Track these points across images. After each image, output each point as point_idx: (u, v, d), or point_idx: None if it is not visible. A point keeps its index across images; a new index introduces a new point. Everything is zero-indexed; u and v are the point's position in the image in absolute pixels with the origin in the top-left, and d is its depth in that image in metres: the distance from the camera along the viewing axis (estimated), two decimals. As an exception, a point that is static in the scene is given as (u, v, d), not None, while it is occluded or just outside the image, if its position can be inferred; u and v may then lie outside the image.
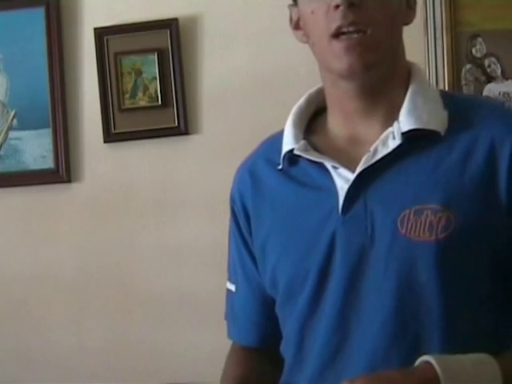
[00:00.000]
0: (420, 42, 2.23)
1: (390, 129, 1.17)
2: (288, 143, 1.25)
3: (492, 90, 2.26)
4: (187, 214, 2.41)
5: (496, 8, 2.25)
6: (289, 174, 1.25)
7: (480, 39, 2.26)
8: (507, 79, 2.26)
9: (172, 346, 2.41)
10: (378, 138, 1.18)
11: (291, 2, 1.25)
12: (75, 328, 2.48)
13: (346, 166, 1.18)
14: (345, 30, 1.13)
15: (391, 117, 1.19)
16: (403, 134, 1.16)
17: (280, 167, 1.25)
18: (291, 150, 1.23)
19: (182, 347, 2.39)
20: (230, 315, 1.39)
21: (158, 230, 2.43)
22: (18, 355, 2.50)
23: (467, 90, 2.26)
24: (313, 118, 1.29)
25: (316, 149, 1.23)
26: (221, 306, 1.43)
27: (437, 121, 1.17)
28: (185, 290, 2.40)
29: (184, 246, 2.40)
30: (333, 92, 1.23)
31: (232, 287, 1.37)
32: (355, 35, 1.13)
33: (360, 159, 1.17)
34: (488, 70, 2.27)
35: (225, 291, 1.41)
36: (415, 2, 1.24)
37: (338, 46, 1.14)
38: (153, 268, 2.43)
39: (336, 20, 1.13)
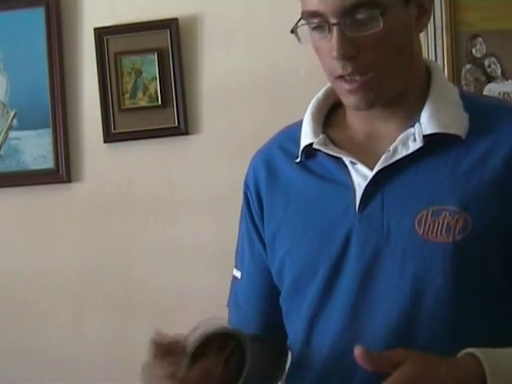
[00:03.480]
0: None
1: (411, 130, 1.17)
2: (307, 137, 1.25)
3: (492, 89, 2.26)
4: (187, 214, 2.41)
5: (496, 8, 2.24)
6: (306, 166, 1.25)
7: (480, 39, 2.26)
8: (507, 79, 2.26)
9: (172, 346, 2.40)
10: (397, 135, 1.17)
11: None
12: (75, 327, 2.48)
13: (363, 163, 1.18)
14: (346, 77, 1.14)
15: (411, 116, 1.19)
16: (424, 136, 1.15)
17: (298, 160, 1.25)
18: (310, 144, 1.23)
19: (182, 347, 2.39)
20: (234, 302, 1.37)
21: (157, 229, 2.43)
22: (18, 354, 2.50)
23: (467, 90, 2.25)
24: (331, 111, 1.29)
25: (334, 143, 1.23)
26: (221, 305, 1.43)
27: (458, 125, 1.17)
28: (185, 289, 2.40)
29: (184, 245, 2.40)
30: None
31: (238, 274, 1.36)
32: (358, 77, 1.13)
33: (378, 156, 1.17)
34: (488, 70, 2.27)
35: (225, 290, 1.40)
36: (431, 4, 1.19)
37: (342, 86, 1.16)
38: (153, 267, 2.43)
39: (337, 68, 1.14)
